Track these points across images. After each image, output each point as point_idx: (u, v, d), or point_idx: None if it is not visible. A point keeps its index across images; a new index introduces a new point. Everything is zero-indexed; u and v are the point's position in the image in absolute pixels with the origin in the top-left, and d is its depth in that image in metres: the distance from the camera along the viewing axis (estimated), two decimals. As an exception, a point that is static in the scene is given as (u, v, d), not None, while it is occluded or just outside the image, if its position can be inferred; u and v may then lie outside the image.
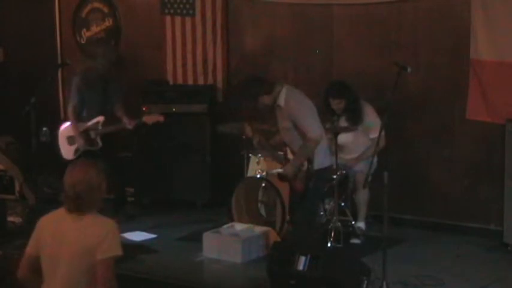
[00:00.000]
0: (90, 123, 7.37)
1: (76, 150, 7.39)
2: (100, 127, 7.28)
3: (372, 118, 6.96)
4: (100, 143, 7.32)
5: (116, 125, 7.32)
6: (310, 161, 6.21)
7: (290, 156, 6.40)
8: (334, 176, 6.73)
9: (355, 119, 6.95)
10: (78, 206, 4.00)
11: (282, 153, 6.59)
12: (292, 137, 6.30)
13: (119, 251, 4.01)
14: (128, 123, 7.25)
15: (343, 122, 6.98)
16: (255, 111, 6.47)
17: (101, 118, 7.31)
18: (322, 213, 6.95)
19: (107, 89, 7.41)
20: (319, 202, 6.71)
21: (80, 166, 4.11)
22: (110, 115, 7.42)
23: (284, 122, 6.31)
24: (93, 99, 7.38)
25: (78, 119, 7.44)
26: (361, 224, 7.05)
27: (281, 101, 6.22)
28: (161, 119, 7.22)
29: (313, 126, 6.14)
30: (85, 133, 7.34)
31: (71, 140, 7.48)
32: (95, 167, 4.13)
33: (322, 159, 6.28)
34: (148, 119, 7.22)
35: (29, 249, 4.13)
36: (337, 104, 6.96)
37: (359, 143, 7.06)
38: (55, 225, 4.06)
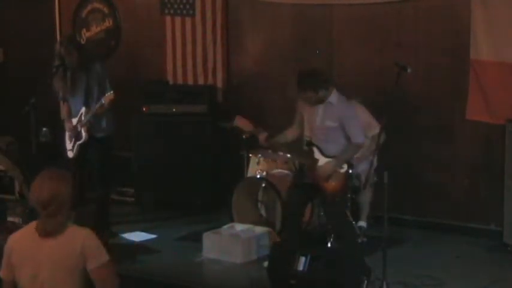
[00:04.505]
0: (77, 117, 7.29)
1: (73, 147, 7.35)
2: (83, 118, 7.19)
3: (363, 118, 6.84)
4: (85, 136, 7.19)
5: (92, 111, 7.16)
6: (350, 165, 6.03)
7: (318, 156, 6.04)
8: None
9: None
10: (51, 225, 3.83)
11: (282, 153, 6.52)
12: (328, 137, 6.02)
13: (105, 257, 3.86)
14: (97, 107, 7.06)
15: None
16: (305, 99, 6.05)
17: (82, 109, 7.22)
18: (322, 213, 6.95)
19: (88, 77, 7.21)
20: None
21: (46, 182, 3.93)
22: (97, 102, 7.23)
23: (328, 121, 6.01)
24: (74, 94, 7.26)
25: (70, 115, 7.35)
26: (362, 224, 7.04)
27: (333, 99, 5.99)
28: (112, 97, 6.98)
29: (361, 133, 6.03)
30: (75, 128, 7.27)
31: (69, 138, 7.42)
32: (61, 177, 3.95)
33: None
34: (106, 99, 6.99)
35: (4, 273, 3.93)
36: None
37: None
38: (30, 244, 3.87)
